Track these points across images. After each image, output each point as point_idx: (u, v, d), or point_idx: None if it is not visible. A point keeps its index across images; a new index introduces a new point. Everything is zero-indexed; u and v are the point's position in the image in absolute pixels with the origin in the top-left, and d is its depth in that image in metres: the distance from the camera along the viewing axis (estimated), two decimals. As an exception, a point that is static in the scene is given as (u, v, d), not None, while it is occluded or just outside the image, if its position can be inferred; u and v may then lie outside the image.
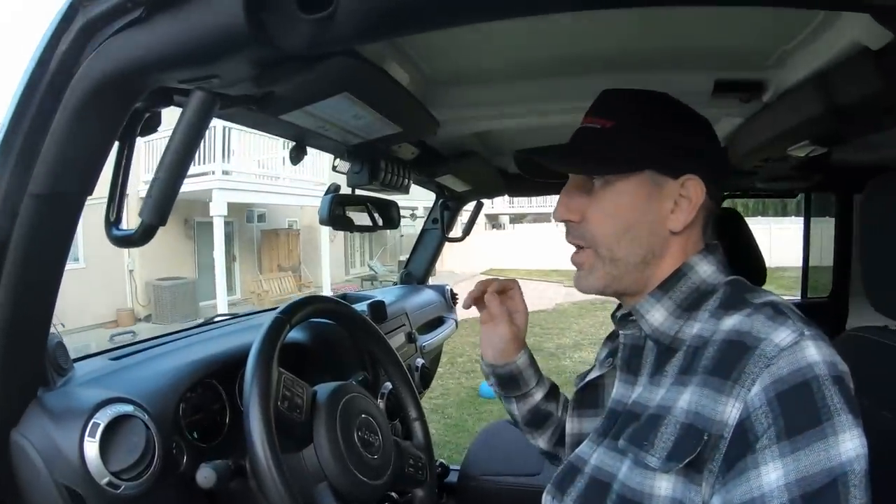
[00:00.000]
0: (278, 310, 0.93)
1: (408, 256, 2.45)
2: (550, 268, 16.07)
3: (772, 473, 0.56)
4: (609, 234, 0.74)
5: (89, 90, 0.55)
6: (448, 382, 5.63)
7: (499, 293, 0.97)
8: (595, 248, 0.75)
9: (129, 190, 0.67)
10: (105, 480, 0.73)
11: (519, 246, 18.89)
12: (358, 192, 1.39)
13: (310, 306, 0.97)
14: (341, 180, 1.40)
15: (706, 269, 0.74)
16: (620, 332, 0.79)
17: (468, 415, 4.58)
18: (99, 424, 0.74)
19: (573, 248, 0.79)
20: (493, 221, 26.06)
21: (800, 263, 2.47)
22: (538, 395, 0.99)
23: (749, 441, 0.58)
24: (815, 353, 0.59)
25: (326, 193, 1.34)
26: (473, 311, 0.99)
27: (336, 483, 0.82)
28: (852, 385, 0.59)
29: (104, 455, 0.74)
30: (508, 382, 0.97)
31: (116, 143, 0.63)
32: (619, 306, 0.82)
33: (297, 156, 1.20)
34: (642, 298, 0.74)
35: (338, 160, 1.34)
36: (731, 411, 0.60)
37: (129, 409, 0.79)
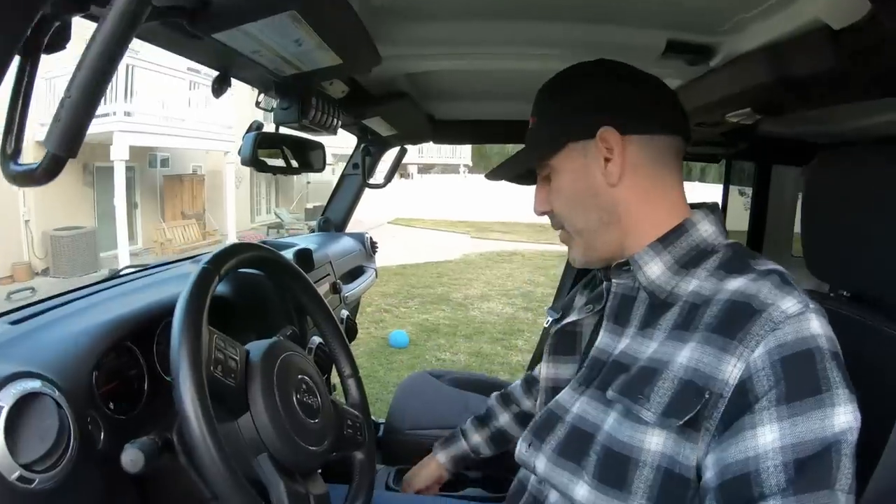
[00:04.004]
0: (203, 260, 0.82)
1: (315, 205, 2.34)
2: (458, 219, 16.26)
3: (768, 435, 0.58)
4: (566, 211, 0.80)
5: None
6: (358, 332, 5.59)
7: None
8: (565, 226, 0.82)
9: (26, 132, 0.55)
10: (15, 475, 0.63)
11: (427, 196, 18.92)
12: (282, 130, 1.28)
13: (237, 255, 0.87)
14: (260, 118, 1.28)
15: (707, 229, 0.75)
16: (613, 280, 0.79)
17: (379, 365, 4.57)
18: (2, 408, 0.63)
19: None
20: (402, 171, 25.83)
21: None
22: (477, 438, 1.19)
23: (749, 401, 0.60)
24: (818, 326, 0.61)
25: (248, 131, 1.23)
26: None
27: (277, 453, 0.74)
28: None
29: (11, 445, 0.63)
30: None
31: (17, 58, 0.51)
32: None
33: (219, 88, 1.07)
34: (640, 249, 0.75)
35: (262, 96, 1.22)
36: (732, 370, 0.61)
37: (36, 384, 0.68)
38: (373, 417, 1.81)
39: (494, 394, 1.24)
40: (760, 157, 1.98)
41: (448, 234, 13.84)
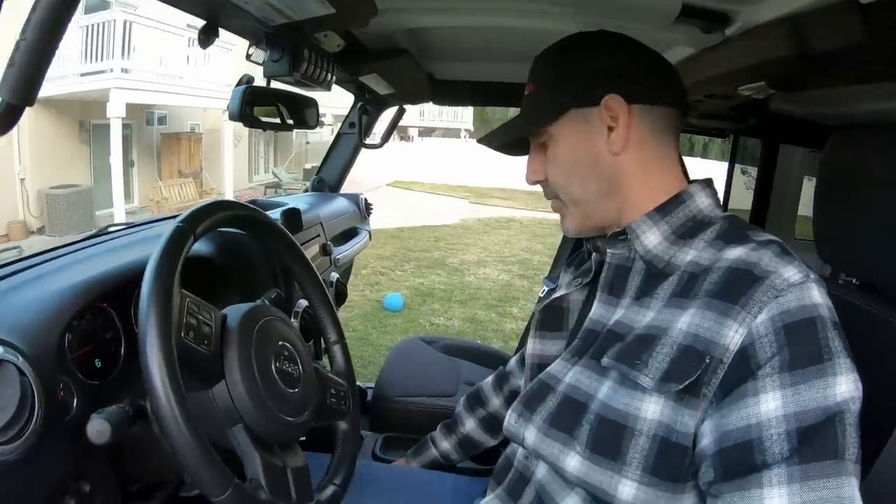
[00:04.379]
0: (178, 218, 0.76)
1: (313, 165, 2.29)
2: (457, 183, 16.16)
3: (770, 402, 0.57)
4: (562, 181, 0.78)
5: None
6: (352, 295, 5.56)
7: None
8: (559, 196, 0.80)
9: None
10: None
11: (426, 159, 18.77)
12: (273, 85, 1.22)
13: (216, 214, 0.81)
14: (253, 73, 1.22)
15: (704, 201, 0.74)
16: (609, 250, 0.77)
17: (373, 328, 4.57)
18: None
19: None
20: (402, 133, 25.58)
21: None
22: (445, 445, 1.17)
23: (750, 368, 0.59)
24: (818, 295, 0.61)
25: (238, 85, 1.18)
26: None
27: (252, 424, 0.71)
28: None
29: None
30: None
31: None
32: None
33: (206, 39, 1.02)
34: (637, 218, 0.74)
35: (253, 48, 1.17)
36: (733, 336, 0.60)
37: None
38: (361, 384, 1.81)
39: (463, 398, 1.21)
40: (769, 135, 1.93)
41: (447, 199, 13.74)
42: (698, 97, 1.39)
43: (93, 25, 9.23)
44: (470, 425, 1.15)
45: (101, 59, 9.24)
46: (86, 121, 10.27)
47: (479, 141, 0.87)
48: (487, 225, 10.22)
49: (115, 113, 9.32)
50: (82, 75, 9.27)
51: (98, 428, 0.66)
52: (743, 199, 2.16)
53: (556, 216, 0.83)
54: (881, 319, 0.75)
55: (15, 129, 0.49)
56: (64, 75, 8.87)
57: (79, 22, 7.85)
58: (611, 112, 0.73)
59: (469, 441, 1.15)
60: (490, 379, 1.19)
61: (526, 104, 0.81)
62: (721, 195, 0.81)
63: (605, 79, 0.74)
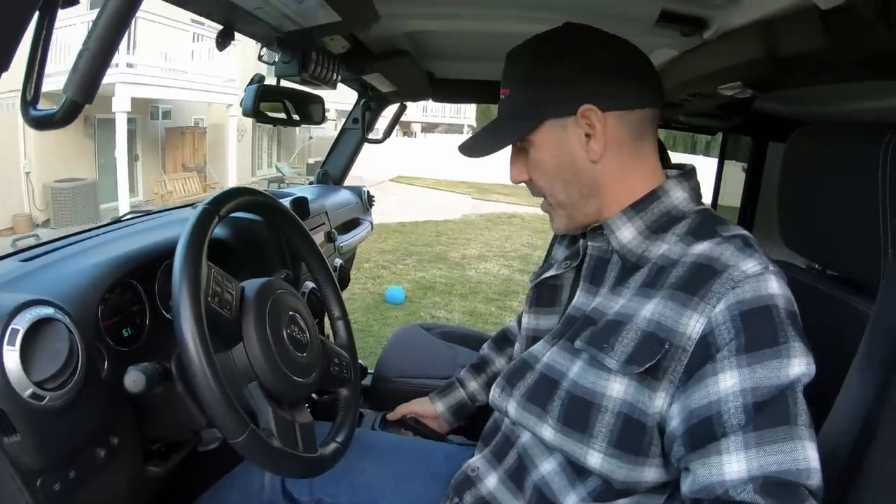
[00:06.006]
0: (205, 201, 0.86)
1: (316, 160, 2.38)
2: (459, 179, 16.19)
3: (728, 381, 0.63)
4: (545, 184, 0.82)
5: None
6: (354, 287, 5.66)
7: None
8: (545, 197, 0.84)
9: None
10: (28, 392, 0.68)
11: (429, 155, 18.76)
12: (283, 84, 1.32)
13: (238, 198, 0.91)
14: (263, 71, 1.32)
15: (679, 196, 0.78)
16: (589, 243, 0.83)
17: (374, 320, 4.66)
18: (18, 331, 0.68)
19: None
20: (405, 129, 25.54)
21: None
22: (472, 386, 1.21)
23: (710, 353, 0.64)
24: (776, 286, 0.66)
25: (251, 83, 1.28)
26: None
27: (266, 382, 0.80)
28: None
29: (25, 365, 0.67)
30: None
31: (36, 15, 0.55)
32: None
33: (223, 41, 1.12)
34: (614, 214, 0.78)
35: (264, 49, 1.26)
36: (694, 325, 0.65)
37: (49, 311, 0.73)
38: (364, 365, 1.89)
39: (487, 342, 1.26)
40: (756, 133, 1.99)
41: (449, 194, 13.83)
42: (684, 96, 1.46)
43: (99, 20, 9.27)
44: (500, 363, 1.21)
45: (109, 54, 9.24)
46: (91, 115, 10.32)
47: (460, 149, 0.86)
48: (489, 220, 10.32)
49: (121, 107, 9.41)
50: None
51: (134, 378, 0.76)
52: (737, 195, 2.19)
53: (557, 213, 0.85)
54: (840, 302, 0.82)
55: (20, 122, 0.58)
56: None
57: (84, 17, 7.92)
58: (587, 121, 0.75)
59: None
60: (513, 323, 1.24)
61: (502, 109, 0.82)
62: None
63: (579, 87, 0.75)
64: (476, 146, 0.84)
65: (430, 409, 1.22)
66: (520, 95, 0.79)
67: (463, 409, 1.21)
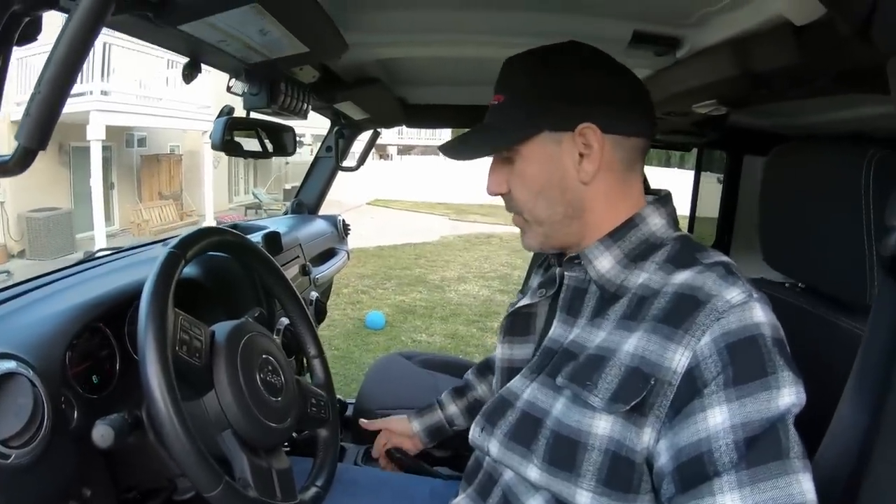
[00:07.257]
0: (170, 244, 0.83)
1: (293, 185, 2.35)
2: (437, 200, 16.24)
3: (717, 416, 0.60)
4: (526, 199, 0.77)
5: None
6: (334, 314, 5.59)
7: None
8: (521, 213, 0.79)
9: (1, 113, 0.55)
10: None
11: (406, 177, 18.87)
12: (253, 115, 1.28)
13: (204, 239, 0.88)
14: (234, 103, 1.28)
15: (657, 223, 0.76)
16: (566, 273, 0.80)
17: (355, 346, 4.60)
18: None
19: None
20: (381, 152, 25.68)
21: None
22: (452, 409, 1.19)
23: (697, 387, 0.62)
24: (761, 314, 0.63)
25: (219, 116, 1.25)
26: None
27: (240, 429, 0.77)
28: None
29: None
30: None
31: None
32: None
33: (189, 74, 1.07)
34: (591, 243, 0.76)
35: (233, 80, 1.23)
36: (679, 359, 0.63)
37: (11, 365, 0.69)
38: (343, 398, 1.84)
39: (472, 368, 1.24)
40: (732, 147, 2.01)
41: (427, 216, 13.83)
42: (658, 115, 1.47)
43: (73, 48, 9.22)
44: (482, 389, 1.18)
45: (81, 82, 9.13)
46: (65, 143, 10.23)
47: (441, 149, 0.84)
48: (467, 241, 10.32)
49: (95, 135, 9.33)
50: (61, 99, 9.24)
51: (102, 433, 0.72)
52: (714, 208, 2.20)
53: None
54: (824, 320, 0.81)
55: None
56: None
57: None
58: (584, 139, 0.72)
59: (480, 406, 1.16)
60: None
61: (494, 116, 0.79)
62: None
63: (584, 105, 0.72)
64: (463, 148, 0.81)
65: (406, 427, 1.20)
66: (517, 103, 0.76)
67: (439, 431, 1.19)
